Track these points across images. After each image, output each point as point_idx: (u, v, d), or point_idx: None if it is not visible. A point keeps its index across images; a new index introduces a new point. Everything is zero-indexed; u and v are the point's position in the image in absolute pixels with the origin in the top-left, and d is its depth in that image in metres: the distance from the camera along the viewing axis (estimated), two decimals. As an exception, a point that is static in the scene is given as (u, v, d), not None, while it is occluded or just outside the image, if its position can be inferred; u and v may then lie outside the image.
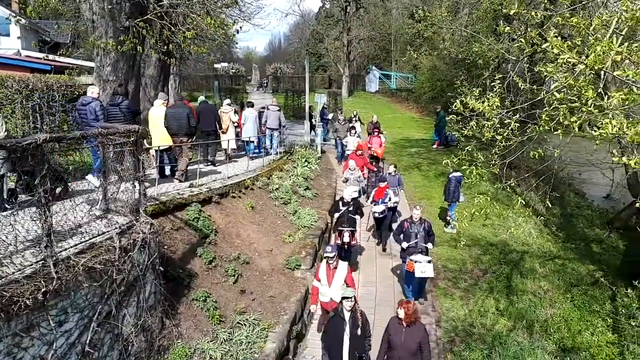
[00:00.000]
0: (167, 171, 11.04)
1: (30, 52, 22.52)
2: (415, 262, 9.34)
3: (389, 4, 45.64)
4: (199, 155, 12.68)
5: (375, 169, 15.11)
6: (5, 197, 6.71)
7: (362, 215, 10.85)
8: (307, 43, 55.93)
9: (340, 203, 10.69)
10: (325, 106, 22.73)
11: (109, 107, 9.60)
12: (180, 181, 10.43)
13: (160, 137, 10.58)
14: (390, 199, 11.86)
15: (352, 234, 10.40)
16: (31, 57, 20.92)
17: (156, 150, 10.51)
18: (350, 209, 10.48)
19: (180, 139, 10.57)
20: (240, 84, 46.90)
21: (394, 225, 11.85)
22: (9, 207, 6.48)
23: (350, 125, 18.87)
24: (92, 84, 10.22)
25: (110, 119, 9.31)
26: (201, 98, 15.43)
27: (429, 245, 9.72)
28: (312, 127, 21.06)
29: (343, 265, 8.06)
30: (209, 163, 13.00)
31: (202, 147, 12.81)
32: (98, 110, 8.95)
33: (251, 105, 15.89)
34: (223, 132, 13.85)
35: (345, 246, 10.40)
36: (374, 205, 11.87)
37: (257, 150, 15.72)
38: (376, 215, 11.81)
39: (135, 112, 10.25)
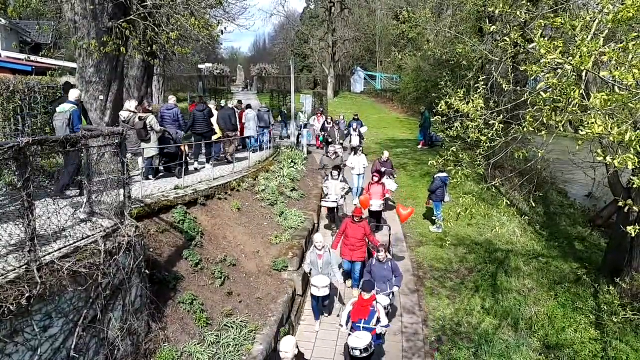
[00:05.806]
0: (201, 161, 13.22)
1: (11, 52, 22.14)
2: None
3: (373, 4, 45.92)
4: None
5: (378, 244, 9.42)
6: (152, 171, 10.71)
7: None
8: (291, 43, 55.99)
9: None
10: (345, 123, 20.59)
11: (197, 113, 12.49)
12: (230, 161, 13.27)
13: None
14: (379, 321, 7.28)
15: None
16: (12, 58, 20.53)
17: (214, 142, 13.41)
18: None
19: (226, 133, 13.99)
20: (224, 85, 46.72)
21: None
22: (152, 178, 10.51)
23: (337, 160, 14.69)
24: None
25: (197, 121, 12.48)
26: (223, 102, 17.65)
27: None
28: (327, 143, 18.67)
29: None
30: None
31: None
32: (179, 114, 11.83)
33: (250, 106, 18.10)
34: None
35: None
36: (350, 334, 7.13)
37: (256, 144, 16.82)
38: (356, 354, 6.90)
39: (210, 116, 13.06)
